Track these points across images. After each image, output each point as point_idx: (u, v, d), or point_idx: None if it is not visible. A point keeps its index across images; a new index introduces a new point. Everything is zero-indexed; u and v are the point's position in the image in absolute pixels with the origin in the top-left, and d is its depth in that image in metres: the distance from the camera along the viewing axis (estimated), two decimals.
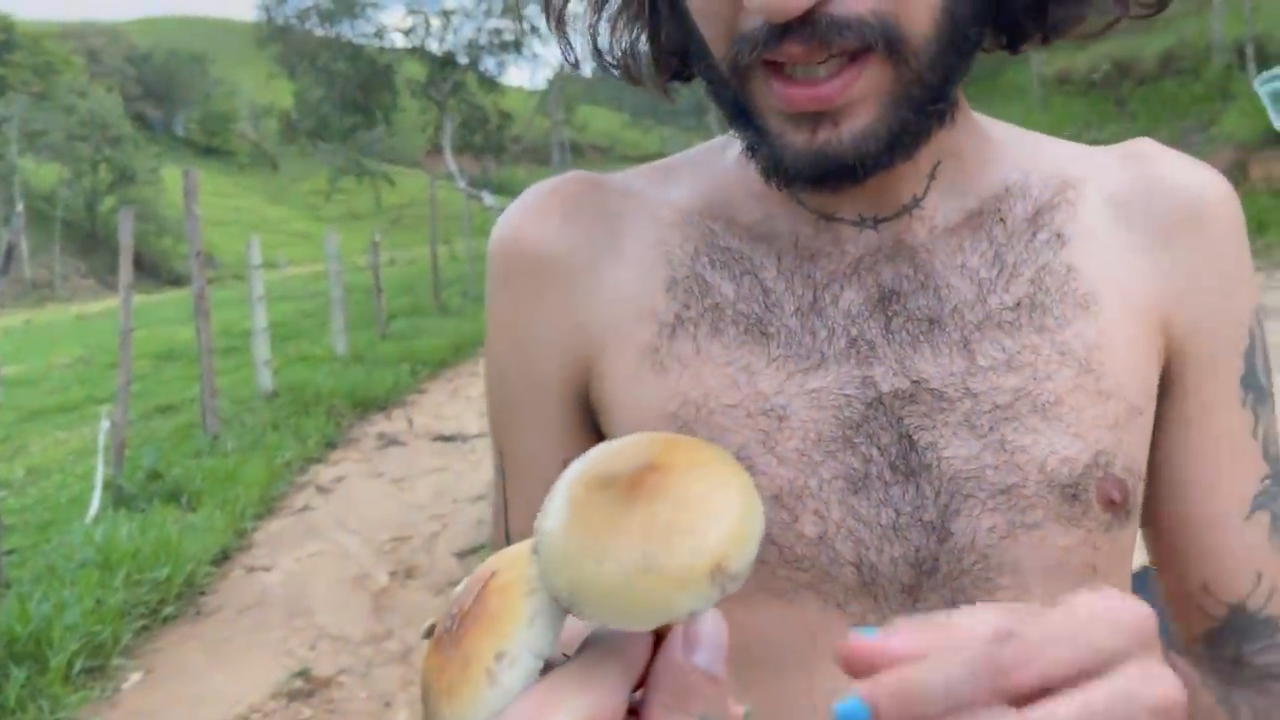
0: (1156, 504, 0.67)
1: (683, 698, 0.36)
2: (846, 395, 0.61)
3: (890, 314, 0.62)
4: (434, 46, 32.15)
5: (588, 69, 0.72)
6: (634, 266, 0.67)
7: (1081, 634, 0.38)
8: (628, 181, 0.71)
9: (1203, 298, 0.64)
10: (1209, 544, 0.65)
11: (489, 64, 32.06)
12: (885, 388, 0.61)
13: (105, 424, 6.55)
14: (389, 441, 8.03)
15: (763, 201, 0.66)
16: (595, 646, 0.37)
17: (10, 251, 4.86)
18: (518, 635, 0.35)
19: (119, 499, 6.02)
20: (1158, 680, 0.38)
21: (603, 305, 0.67)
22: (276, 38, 33.11)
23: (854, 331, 0.62)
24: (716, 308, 0.63)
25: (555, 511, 0.37)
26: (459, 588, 0.39)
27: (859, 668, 0.38)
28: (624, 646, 0.36)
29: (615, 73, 0.69)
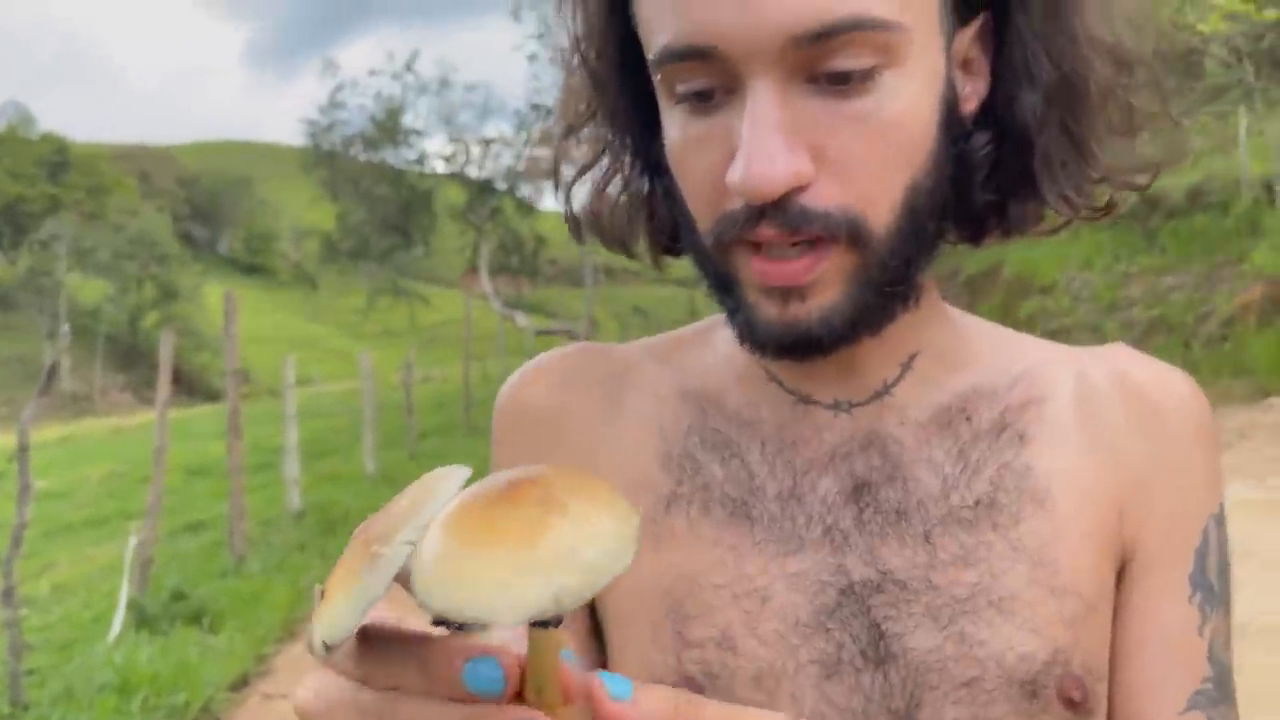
0: None
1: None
2: (822, 581, 0.64)
3: (862, 505, 0.65)
4: (473, 172, 33.14)
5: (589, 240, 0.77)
6: (631, 438, 0.71)
7: None
8: (629, 355, 0.76)
9: (1156, 491, 0.67)
10: None
11: (526, 190, 32.96)
12: (856, 576, 0.64)
13: (132, 542, 6.56)
14: None
15: (748, 385, 0.70)
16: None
17: (53, 371, 4.95)
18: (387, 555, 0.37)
19: (141, 620, 6.00)
20: None
21: (601, 471, 0.70)
22: (321, 163, 34.24)
23: (829, 520, 0.65)
24: (706, 487, 0.67)
25: (433, 538, 0.37)
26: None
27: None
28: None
29: (614, 248, 0.75)
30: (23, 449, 4.92)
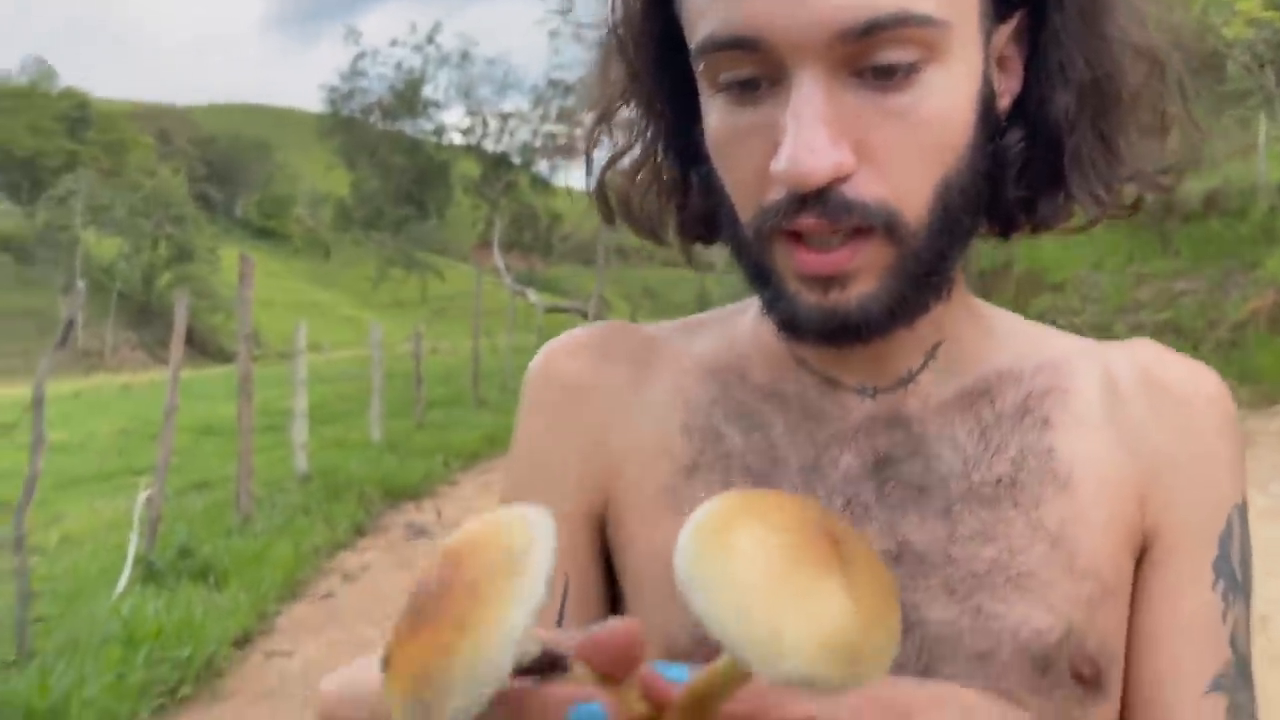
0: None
1: None
2: None
3: (883, 479, 0.66)
4: (490, 146, 33.04)
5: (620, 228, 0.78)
6: (656, 410, 0.72)
7: None
8: (657, 332, 0.78)
9: (1179, 481, 0.67)
10: (1161, 716, 0.65)
11: (542, 166, 32.91)
12: (875, 548, 0.64)
13: (142, 498, 6.64)
14: (417, 532, 8.06)
15: (775, 363, 0.71)
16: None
17: (70, 326, 5.02)
18: (506, 615, 0.35)
19: (148, 574, 6.07)
20: None
21: (625, 441, 0.72)
22: (339, 130, 34.14)
23: (850, 493, 0.66)
24: (728, 456, 0.68)
25: (707, 547, 0.36)
26: (425, 571, 0.39)
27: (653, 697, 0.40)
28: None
29: (645, 235, 0.76)
30: (38, 401, 4.99)
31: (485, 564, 0.36)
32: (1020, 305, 12.67)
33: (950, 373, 0.69)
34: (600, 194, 0.76)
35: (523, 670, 0.38)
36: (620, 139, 0.74)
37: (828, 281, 0.60)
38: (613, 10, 0.69)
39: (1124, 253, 12.43)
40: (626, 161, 0.74)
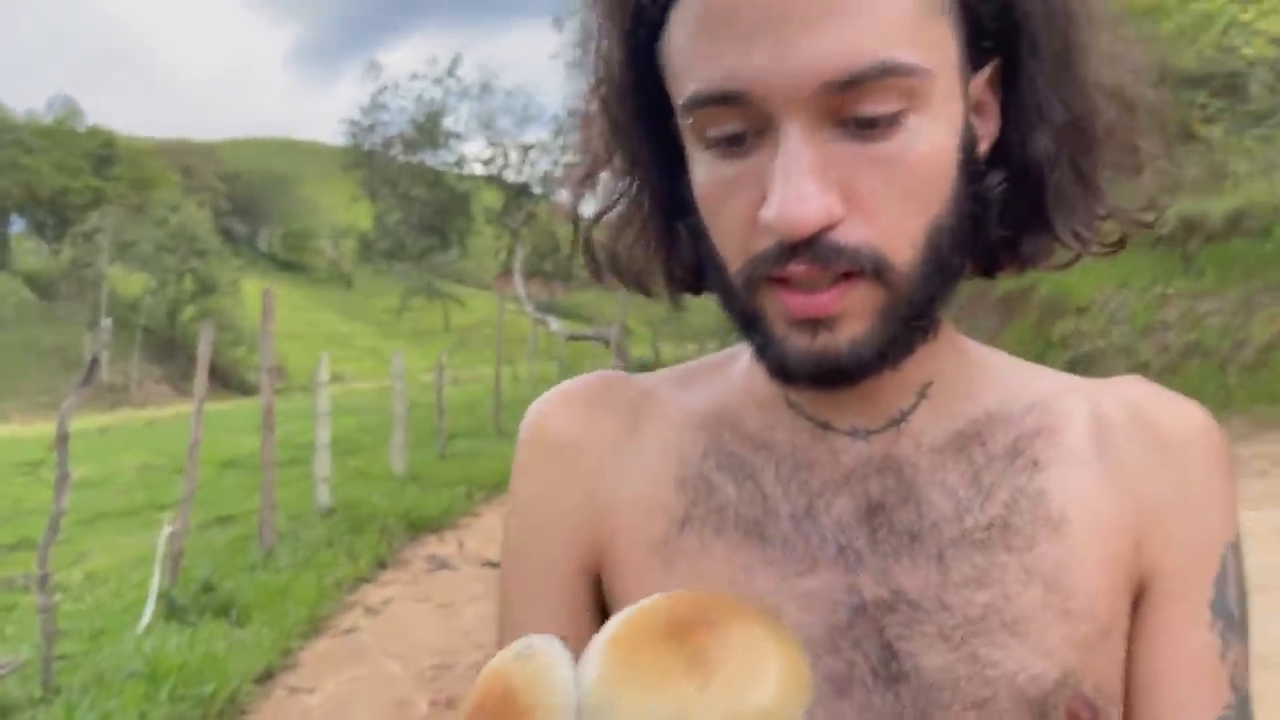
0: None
1: None
2: (834, 600, 0.65)
3: (876, 525, 0.66)
4: (511, 177, 33.26)
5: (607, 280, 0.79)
6: (649, 462, 0.73)
7: None
8: (648, 383, 0.78)
9: (1174, 523, 0.67)
10: None
11: (563, 195, 33.12)
12: (869, 595, 0.65)
13: (165, 533, 6.67)
14: (439, 565, 8.05)
15: (766, 411, 0.72)
16: None
17: (95, 364, 5.06)
18: None
19: (170, 610, 6.09)
20: None
21: (619, 495, 0.73)
22: (361, 163, 34.44)
23: (843, 540, 0.66)
24: (721, 509, 0.69)
25: (596, 662, 0.41)
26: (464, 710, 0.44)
27: None
28: None
29: (632, 288, 0.76)
30: (62, 439, 5.03)
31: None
32: (1042, 329, 12.59)
33: (942, 412, 0.69)
34: (587, 250, 0.77)
35: None
36: (605, 194, 0.75)
37: (816, 324, 0.60)
38: (594, 69, 0.70)
39: (1147, 274, 12.34)
40: (612, 216, 0.74)
